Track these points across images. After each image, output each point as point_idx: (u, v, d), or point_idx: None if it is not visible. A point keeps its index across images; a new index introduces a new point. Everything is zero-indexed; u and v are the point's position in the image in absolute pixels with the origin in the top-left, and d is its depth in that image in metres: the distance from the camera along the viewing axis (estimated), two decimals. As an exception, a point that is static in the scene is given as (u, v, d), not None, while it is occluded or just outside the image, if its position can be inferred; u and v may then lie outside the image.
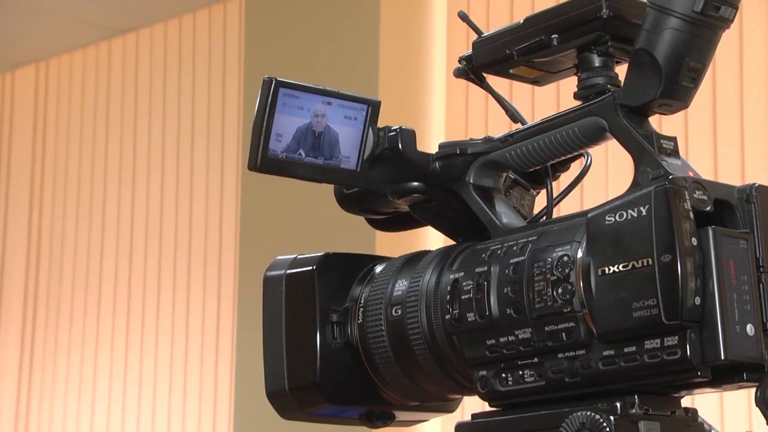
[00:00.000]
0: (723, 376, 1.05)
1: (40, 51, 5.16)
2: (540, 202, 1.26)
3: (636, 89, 1.10)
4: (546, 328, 1.09)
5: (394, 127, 1.20)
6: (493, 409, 1.15)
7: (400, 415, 1.27)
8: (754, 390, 1.04)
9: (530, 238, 1.12)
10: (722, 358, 1.02)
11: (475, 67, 1.21)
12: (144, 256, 4.78)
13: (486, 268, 1.13)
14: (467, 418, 1.17)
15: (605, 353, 1.06)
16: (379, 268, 1.25)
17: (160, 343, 4.67)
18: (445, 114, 3.89)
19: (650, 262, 1.03)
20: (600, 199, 1.38)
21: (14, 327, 5.21)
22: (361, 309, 1.23)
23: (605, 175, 3.34)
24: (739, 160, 3.21)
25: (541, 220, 1.22)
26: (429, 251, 1.23)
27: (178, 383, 4.59)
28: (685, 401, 1.12)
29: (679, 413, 1.10)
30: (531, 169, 1.21)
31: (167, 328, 4.66)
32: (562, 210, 1.22)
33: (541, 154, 1.17)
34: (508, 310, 1.11)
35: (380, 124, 1.21)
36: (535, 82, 1.23)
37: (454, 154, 1.20)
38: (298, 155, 1.16)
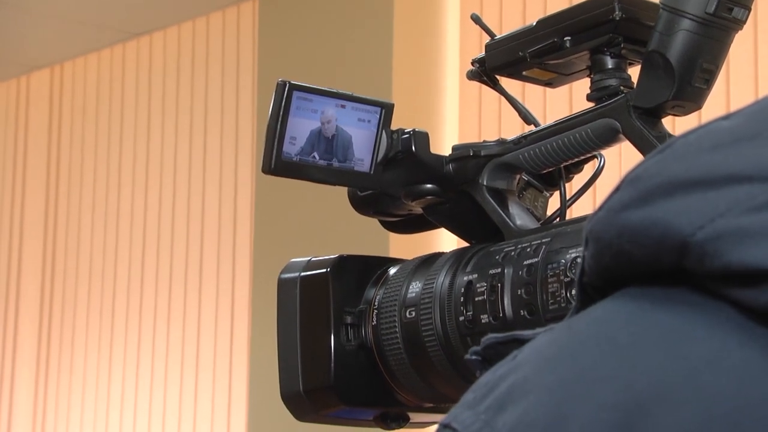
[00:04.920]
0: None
1: (55, 55, 5.17)
2: (553, 203, 1.26)
3: (649, 91, 1.10)
4: (560, 330, 1.09)
5: (408, 130, 1.20)
6: (507, 410, 1.15)
7: (415, 417, 1.27)
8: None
9: (544, 240, 1.12)
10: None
11: (488, 69, 1.21)
12: (159, 259, 4.79)
13: (499, 270, 1.13)
14: (481, 419, 1.17)
15: (618, 354, 1.06)
16: (393, 271, 1.25)
17: (174, 346, 4.68)
18: (459, 116, 3.89)
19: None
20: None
21: (30, 329, 5.22)
22: (375, 311, 1.23)
23: (619, 176, 3.33)
24: (753, 161, 3.21)
25: (555, 221, 1.21)
26: (443, 253, 1.22)
27: (194, 385, 4.60)
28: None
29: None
30: (544, 171, 1.21)
31: (182, 331, 4.66)
32: (575, 211, 1.22)
33: (554, 155, 1.17)
34: (521, 311, 1.11)
35: (394, 126, 1.21)
36: (548, 84, 1.22)
37: (468, 156, 1.20)
38: (311, 158, 1.16)
